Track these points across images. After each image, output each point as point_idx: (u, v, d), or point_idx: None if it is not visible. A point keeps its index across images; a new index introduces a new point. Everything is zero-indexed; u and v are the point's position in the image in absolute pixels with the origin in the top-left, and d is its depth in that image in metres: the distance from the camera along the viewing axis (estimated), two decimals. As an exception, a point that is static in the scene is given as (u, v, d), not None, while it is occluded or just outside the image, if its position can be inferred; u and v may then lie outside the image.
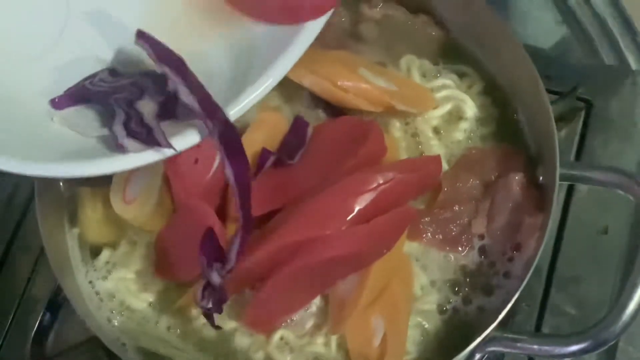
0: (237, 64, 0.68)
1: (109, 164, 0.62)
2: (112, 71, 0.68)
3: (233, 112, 0.62)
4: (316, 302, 0.75)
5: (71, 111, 0.67)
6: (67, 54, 0.69)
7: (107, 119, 0.65)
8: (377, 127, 0.77)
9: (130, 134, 0.62)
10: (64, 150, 0.63)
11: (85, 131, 0.66)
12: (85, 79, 0.67)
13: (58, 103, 0.66)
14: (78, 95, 0.66)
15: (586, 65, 0.99)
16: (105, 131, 0.65)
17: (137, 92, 0.64)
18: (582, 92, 0.94)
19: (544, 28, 1.04)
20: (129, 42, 0.64)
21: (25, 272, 0.91)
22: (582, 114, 0.94)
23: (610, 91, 0.95)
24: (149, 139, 0.62)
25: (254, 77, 0.64)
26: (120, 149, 0.62)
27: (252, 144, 0.76)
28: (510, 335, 0.73)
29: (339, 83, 0.80)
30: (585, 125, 0.94)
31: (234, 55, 0.69)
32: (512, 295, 0.73)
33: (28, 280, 0.90)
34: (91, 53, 0.69)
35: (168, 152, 0.62)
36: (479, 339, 0.72)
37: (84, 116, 0.67)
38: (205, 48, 0.69)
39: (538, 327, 0.86)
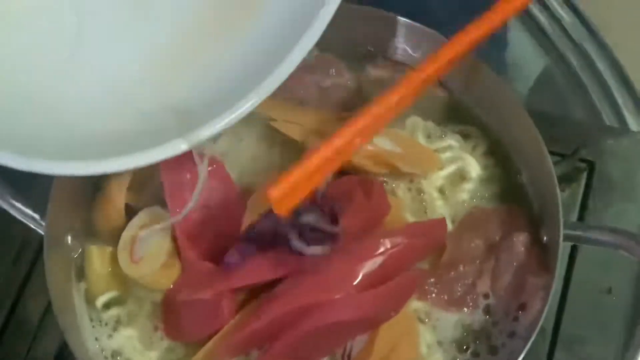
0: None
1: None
2: None
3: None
4: (324, 363, 0.75)
5: None
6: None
7: None
8: (379, 185, 0.79)
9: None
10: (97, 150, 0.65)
11: None
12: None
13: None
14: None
15: (588, 126, 1.00)
16: None
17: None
18: (584, 153, 0.95)
19: (546, 90, 1.06)
20: None
21: (31, 330, 0.91)
22: (585, 175, 0.96)
23: (611, 152, 0.96)
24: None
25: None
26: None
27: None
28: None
29: (344, 144, 0.81)
30: (587, 186, 0.95)
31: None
32: (517, 356, 0.73)
33: (33, 338, 0.90)
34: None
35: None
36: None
37: None
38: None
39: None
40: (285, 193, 0.63)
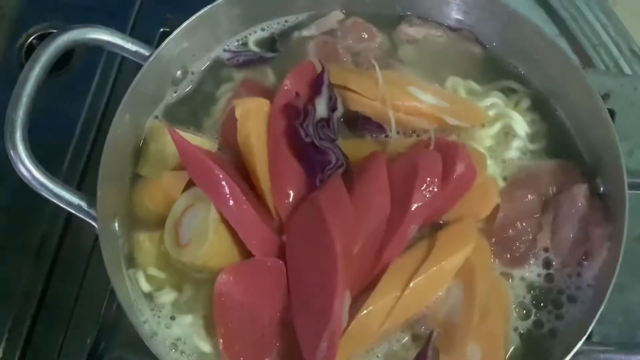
0: None
1: None
2: None
3: None
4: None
5: None
6: None
7: None
8: (463, 148, 0.77)
9: None
10: None
11: None
12: None
13: None
14: None
15: (609, 76, 1.00)
16: None
17: None
18: (607, 102, 0.95)
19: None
20: None
21: (62, 325, 0.85)
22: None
23: (633, 101, 0.96)
24: None
25: None
26: None
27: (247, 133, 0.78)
28: (598, 348, 0.73)
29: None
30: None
31: None
32: (595, 308, 0.73)
33: (65, 333, 0.85)
34: None
35: None
36: (569, 356, 0.71)
37: None
38: None
39: (589, 337, 0.86)
40: None
